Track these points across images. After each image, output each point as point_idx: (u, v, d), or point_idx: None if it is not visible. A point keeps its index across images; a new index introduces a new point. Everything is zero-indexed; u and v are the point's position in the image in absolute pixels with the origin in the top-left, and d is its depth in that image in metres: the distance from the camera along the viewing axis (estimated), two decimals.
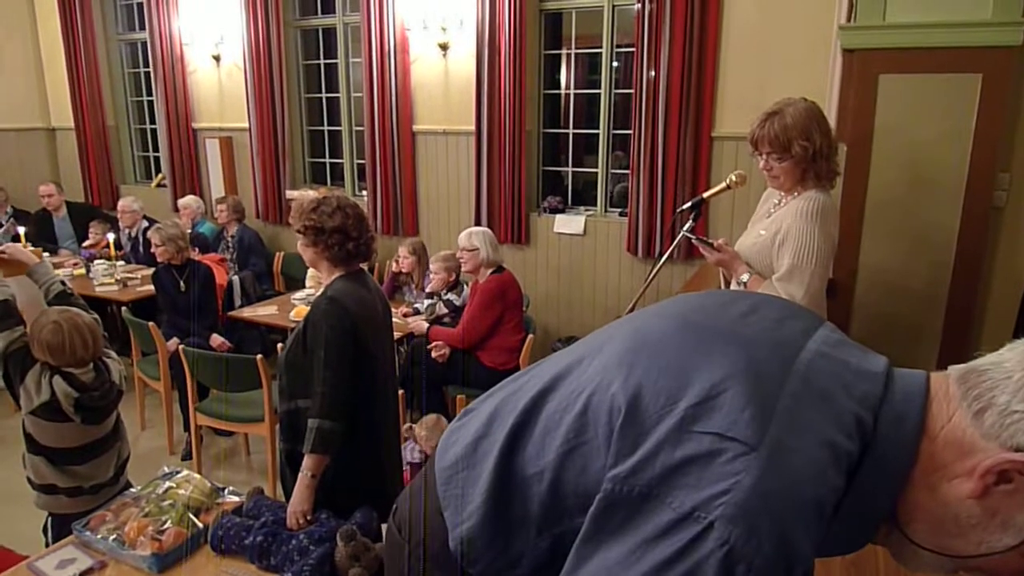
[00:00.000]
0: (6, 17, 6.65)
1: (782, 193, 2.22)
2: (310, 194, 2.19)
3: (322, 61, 5.65)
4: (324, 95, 5.72)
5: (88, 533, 1.99)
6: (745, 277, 2.15)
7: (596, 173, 4.67)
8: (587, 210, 4.75)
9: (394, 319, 3.93)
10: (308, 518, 2.00)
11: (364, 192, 5.41)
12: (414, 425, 3.53)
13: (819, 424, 0.69)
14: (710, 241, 2.16)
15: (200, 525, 2.01)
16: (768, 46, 3.80)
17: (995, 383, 0.66)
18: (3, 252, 2.24)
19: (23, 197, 6.38)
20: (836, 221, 2.19)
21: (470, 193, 4.86)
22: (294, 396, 2.10)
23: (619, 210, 4.62)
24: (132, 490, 2.20)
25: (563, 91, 4.84)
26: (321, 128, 5.80)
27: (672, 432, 0.68)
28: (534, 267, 4.66)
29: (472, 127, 4.72)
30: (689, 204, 2.17)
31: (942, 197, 2.57)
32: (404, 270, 4.25)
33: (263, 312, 4.21)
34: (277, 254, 5.65)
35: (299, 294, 4.39)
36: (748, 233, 2.30)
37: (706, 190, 2.42)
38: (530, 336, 3.74)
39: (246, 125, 5.72)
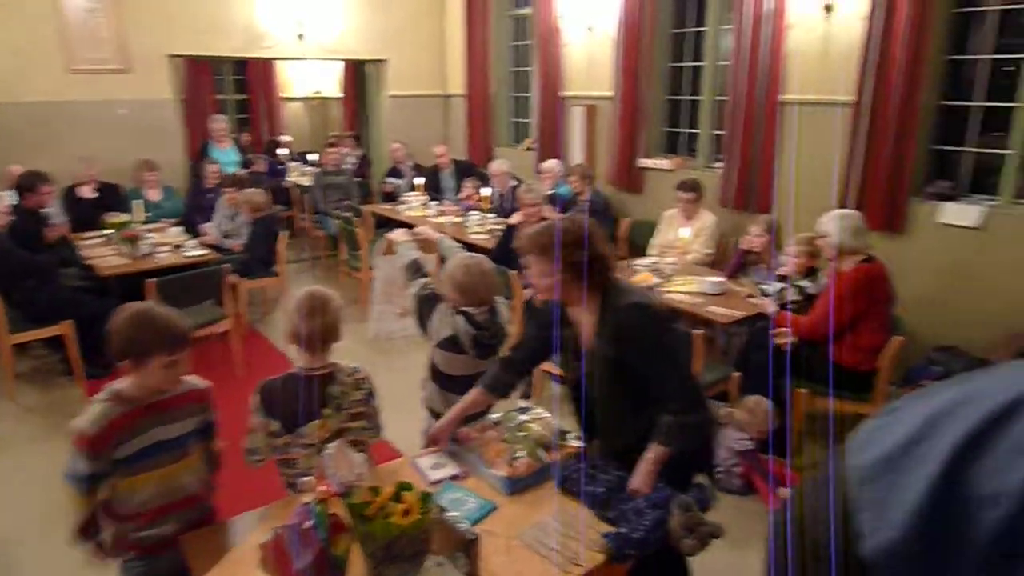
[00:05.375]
0: (421, 1, 7.80)
1: None
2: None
3: (690, 29, 5.58)
4: (688, 64, 5.66)
5: (457, 445, 2.29)
6: None
7: (1005, 156, 3.88)
8: (986, 199, 3.99)
9: (738, 299, 3.81)
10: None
11: (718, 164, 5.27)
12: (733, 409, 3.37)
13: None
14: None
15: (548, 461, 2.17)
16: None
17: None
18: (420, 233, 2.87)
19: (418, 153, 7.52)
20: None
21: (837, 171, 4.41)
22: None
23: None
24: (492, 416, 2.46)
25: (973, 56, 4.07)
26: (681, 97, 5.76)
27: None
28: (909, 260, 4.07)
29: (851, 97, 4.25)
30: None
31: None
32: (755, 249, 4.04)
33: None
34: (624, 220, 5.82)
35: (643, 261, 4.46)
36: None
37: None
38: (896, 338, 3.29)
39: (610, 94, 5.93)
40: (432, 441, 2.26)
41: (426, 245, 2.84)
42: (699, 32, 5.47)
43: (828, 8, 4.37)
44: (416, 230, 2.91)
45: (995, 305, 3.80)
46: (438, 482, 2.14)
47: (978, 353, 3.63)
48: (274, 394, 2.03)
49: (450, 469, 2.20)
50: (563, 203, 5.42)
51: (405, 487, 1.67)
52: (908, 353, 3.48)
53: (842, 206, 4.28)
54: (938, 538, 0.71)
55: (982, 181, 4.08)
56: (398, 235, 2.80)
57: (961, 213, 3.96)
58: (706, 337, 3.46)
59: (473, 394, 2.30)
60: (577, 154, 6.37)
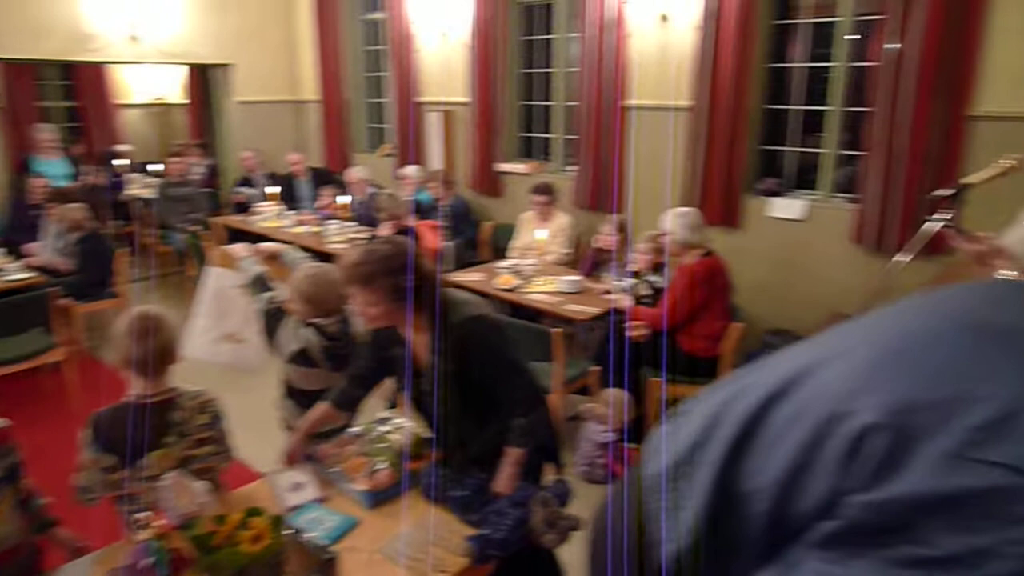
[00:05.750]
0: (267, 3, 7.51)
1: None
2: None
3: (538, 37, 5.73)
4: (539, 70, 5.81)
5: (316, 463, 2.22)
6: (1009, 275, 1.85)
7: (822, 154, 4.29)
8: (808, 194, 4.39)
9: (595, 296, 3.96)
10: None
11: (572, 168, 5.45)
12: (593, 404, 3.50)
13: None
14: (972, 232, 1.88)
15: (410, 470, 2.15)
16: None
17: None
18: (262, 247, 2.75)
19: (271, 161, 7.23)
20: None
21: (680, 171, 4.70)
22: None
23: (846, 195, 4.22)
24: (352, 429, 2.41)
25: (791, 64, 4.48)
26: (534, 103, 5.90)
27: (943, 457, 0.56)
28: (744, 252, 4.41)
29: (687, 102, 4.54)
30: (949, 190, 1.90)
31: None
32: (608, 247, 4.22)
33: (469, 278, 4.40)
34: (486, 224, 5.88)
35: (503, 263, 4.53)
36: (1018, 225, 1.97)
37: (960, 176, 2.11)
38: (735, 324, 3.55)
39: (465, 100, 5.98)
40: (287, 462, 2.18)
41: (270, 258, 2.73)
42: (548, 39, 5.63)
43: (664, 18, 4.65)
44: (259, 245, 2.79)
45: (820, 289, 4.19)
46: (296, 507, 2.07)
47: (807, 334, 3.98)
48: (106, 426, 1.87)
49: (310, 491, 2.13)
50: (424, 209, 5.41)
51: (254, 512, 1.60)
52: (747, 338, 3.75)
53: (685, 204, 4.56)
54: (721, 539, 0.74)
55: (804, 177, 4.49)
56: (238, 249, 2.66)
57: (787, 207, 4.33)
58: (566, 334, 3.57)
59: (320, 408, 2.24)
60: (436, 159, 6.37)
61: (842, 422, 0.63)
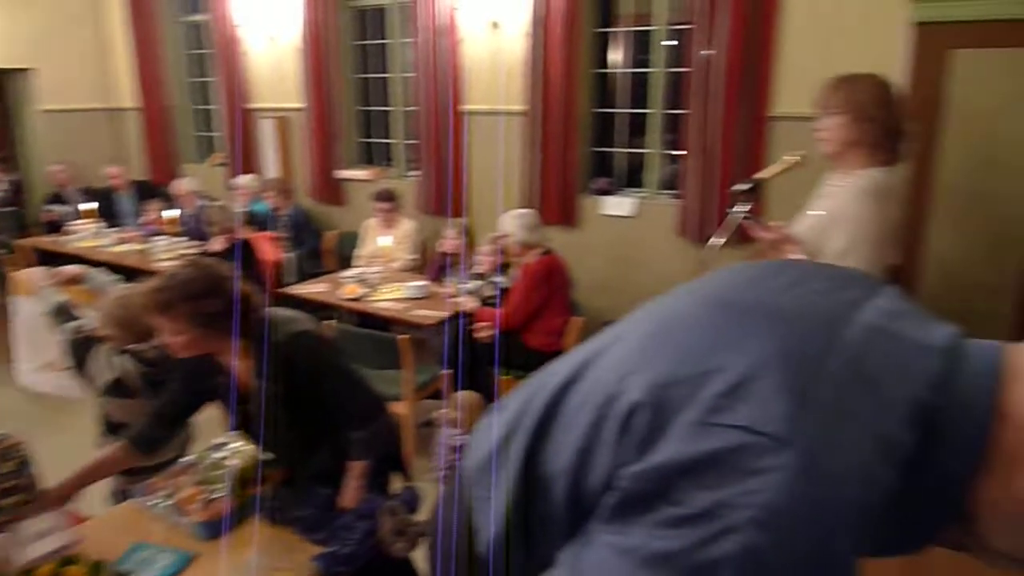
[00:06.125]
0: (71, 2, 6.87)
1: (842, 174, 2.13)
2: None
3: (373, 41, 5.67)
4: (376, 76, 5.74)
5: (145, 499, 2.06)
6: (798, 259, 2.08)
7: (647, 154, 4.58)
8: (637, 192, 4.67)
9: (442, 300, 3.98)
10: None
11: (415, 173, 5.43)
12: (445, 409, 3.52)
13: (867, 413, 0.60)
14: (764, 222, 2.09)
15: (249, 496, 2.05)
16: (832, 21, 3.64)
17: None
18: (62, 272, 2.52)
19: (86, 175, 6.61)
20: (897, 203, 2.09)
21: (518, 174, 4.83)
22: None
23: (671, 192, 4.53)
24: (184, 459, 2.26)
25: (614, 70, 4.75)
26: (373, 108, 5.83)
27: (692, 425, 0.62)
28: (582, 249, 4.61)
29: (521, 107, 4.67)
30: (745, 185, 2.10)
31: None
32: (451, 251, 4.25)
33: (313, 289, 4.27)
34: (329, 233, 5.73)
35: (348, 272, 4.44)
36: (804, 215, 2.22)
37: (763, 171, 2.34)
38: (576, 319, 3.71)
39: (300, 105, 5.79)
40: (47, 503, 1.84)
41: (72, 283, 2.49)
42: (383, 44, 5.58)
43: (495, 25, 4.75)
44: (59, 270, 2.54)
45: (652, 280, 4.47)
46: (41, 557, 1.71)
47: None
48: None
49: (56, 539, 1.77)
50: (261, 221, 5.18)
51: (68, 561, 1.46)
52: (588, 332, 3.93)
53: (524, 205, 4.69)
54: (532, 523, 0.78)
55: (633, 176, 4.76)
56: (36, 276, 2.41)
57: (619, 205, 4.58)
58: (415, 340, 3.56)
59: (112, 449, 2.01)
60: (272, 168, 6.12)
61: (614, 403, 0.69)
